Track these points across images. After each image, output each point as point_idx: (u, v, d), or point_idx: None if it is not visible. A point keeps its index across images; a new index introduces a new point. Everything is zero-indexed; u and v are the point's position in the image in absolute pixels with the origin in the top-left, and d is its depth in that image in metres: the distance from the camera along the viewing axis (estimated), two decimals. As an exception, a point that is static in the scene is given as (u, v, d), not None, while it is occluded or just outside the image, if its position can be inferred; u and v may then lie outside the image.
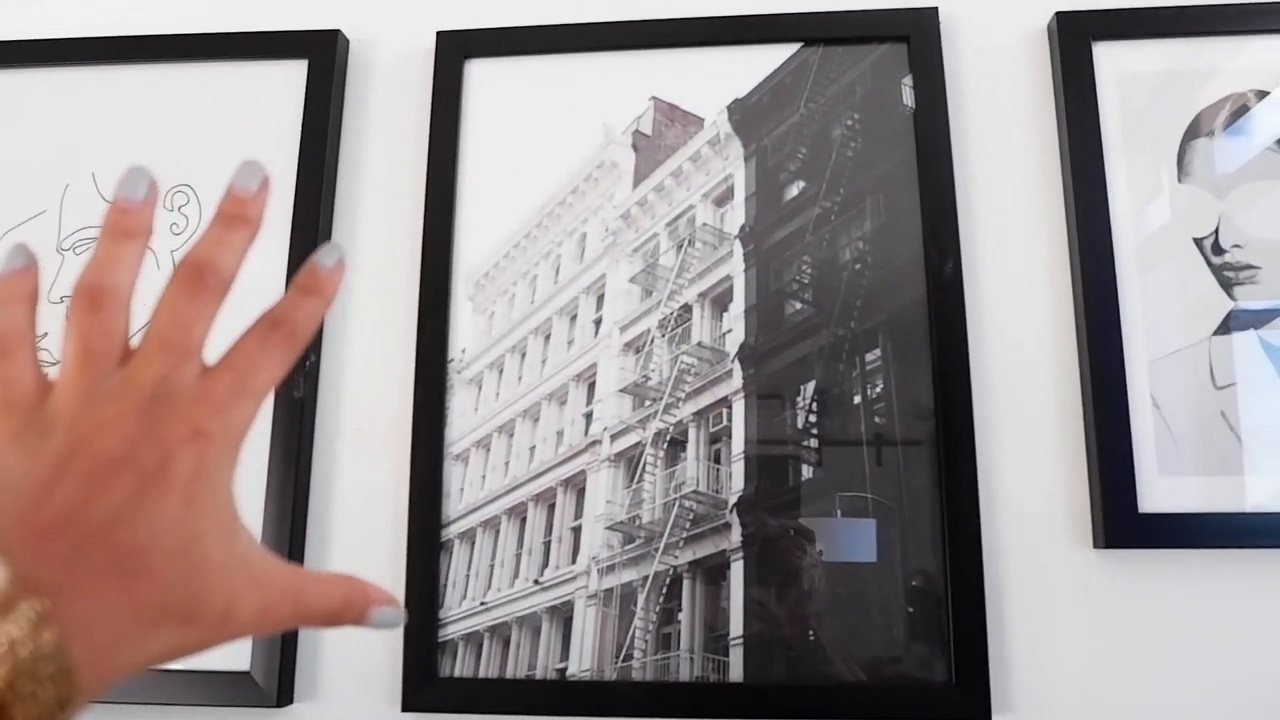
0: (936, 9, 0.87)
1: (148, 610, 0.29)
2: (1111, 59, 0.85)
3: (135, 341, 0.32)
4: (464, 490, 0.84)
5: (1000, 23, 0.89)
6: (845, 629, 0.77)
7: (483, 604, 0.82)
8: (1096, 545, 0.77)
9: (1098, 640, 0.76)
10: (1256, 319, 0.80)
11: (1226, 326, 0.80)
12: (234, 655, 0.79)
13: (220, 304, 0.33)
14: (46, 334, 0.84)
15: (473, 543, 0.83)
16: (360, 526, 0.84)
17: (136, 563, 0.28)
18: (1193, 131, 0.84)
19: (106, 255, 0.33)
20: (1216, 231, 0.82)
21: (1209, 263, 0.81)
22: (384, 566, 0.83)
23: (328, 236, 0.89)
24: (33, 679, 0.25)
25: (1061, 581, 0.78)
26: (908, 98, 0.86)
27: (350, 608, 0.34)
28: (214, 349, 0.33)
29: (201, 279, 0.32)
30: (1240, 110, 0.84)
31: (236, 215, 0.34)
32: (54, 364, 0.32)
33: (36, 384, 0.32)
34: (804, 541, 0.79)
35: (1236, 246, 0.81)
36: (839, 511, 0.79)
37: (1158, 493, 0.77)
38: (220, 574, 0.30)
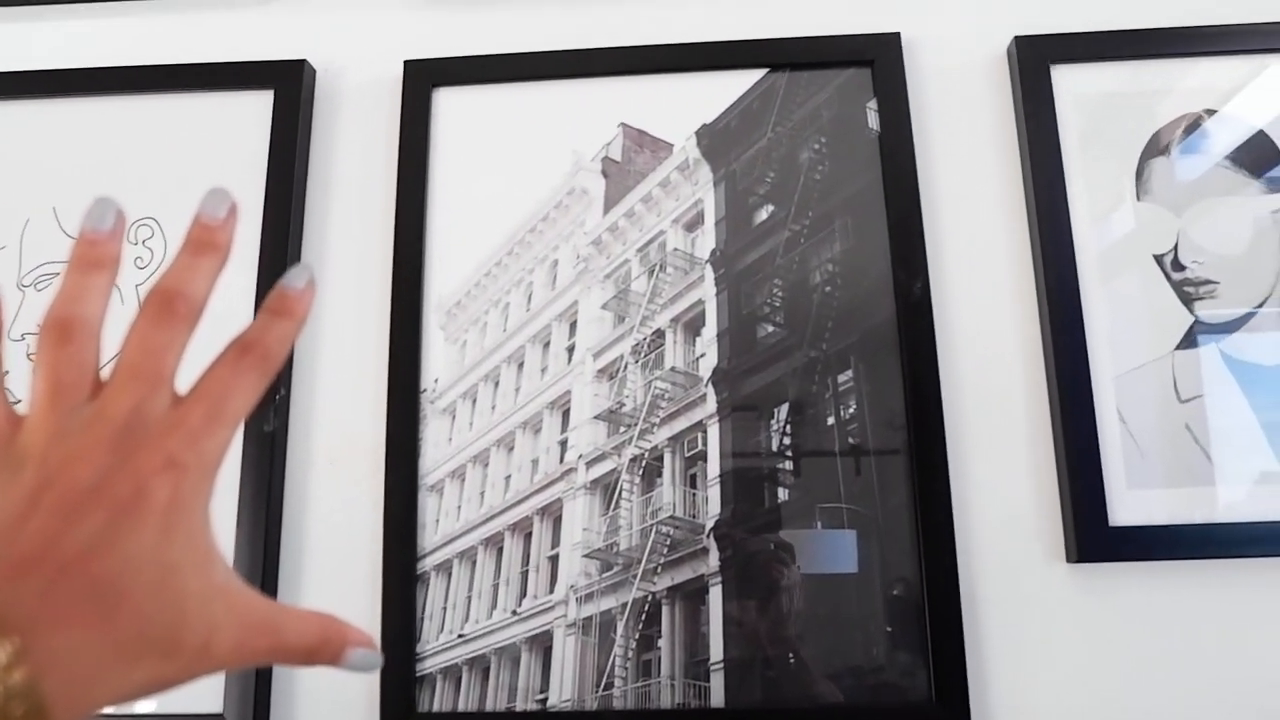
0: (899, 34, 0.89)
1: (126, 642, 0.28)
2: (1069, 81, 0.87)
3: (106, 372, 0.32)
4: (439, 522, 0.83)
5: (961, 47, 0.91)
6: (827, 647, 0.77)
7: (460, 636, 0.81)
8: (1070, 559, 0.78)
9: (1076, 654, 0.77)
10: (1217, 333, 0.81)
11: (1188, 341, 0.81)
12: (206, 696, 0.78)
13: (191, 332, 0.33)
14: (8, 372, 0.82)
15: (449, 574, 0.82)
16: (334, 561, 0.83)
17: (113, 594, 0.28)
18: (1150, 150, 0.86)
19: (75, 287, 0.32)
20: (1176, 247, 0.83)
21: (1169, 278, 0.83)
22: (359, 601, 0.81)
23: (296, 267, 0.88)
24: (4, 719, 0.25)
25: (1038, 596, 0.78)
26: (873, 121, 0.87)
27: (327, 646, 0.33)
28: (185, 378, 0.32)
29: (171, 307, 0.32)
30: (1194, 129, 0.86)
31: (205, 242, 0.34)
32: (17, 402, 0.31)
33: (6, 418, 0.31)
34: (784, 555, 0.79)
35: (1196, 262, 0.83)
36: (819, 524, 0.79)
37: (1127, 506, 0.78)
38: (198, 605, 0.30)
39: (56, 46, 0.97)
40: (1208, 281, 0.83)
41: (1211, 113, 0.86)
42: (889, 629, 0.77)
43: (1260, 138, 0.85)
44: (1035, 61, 0.87)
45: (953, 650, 0.75)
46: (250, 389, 0.33)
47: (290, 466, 0.84)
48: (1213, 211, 0.84)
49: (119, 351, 0.31)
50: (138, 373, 0.31)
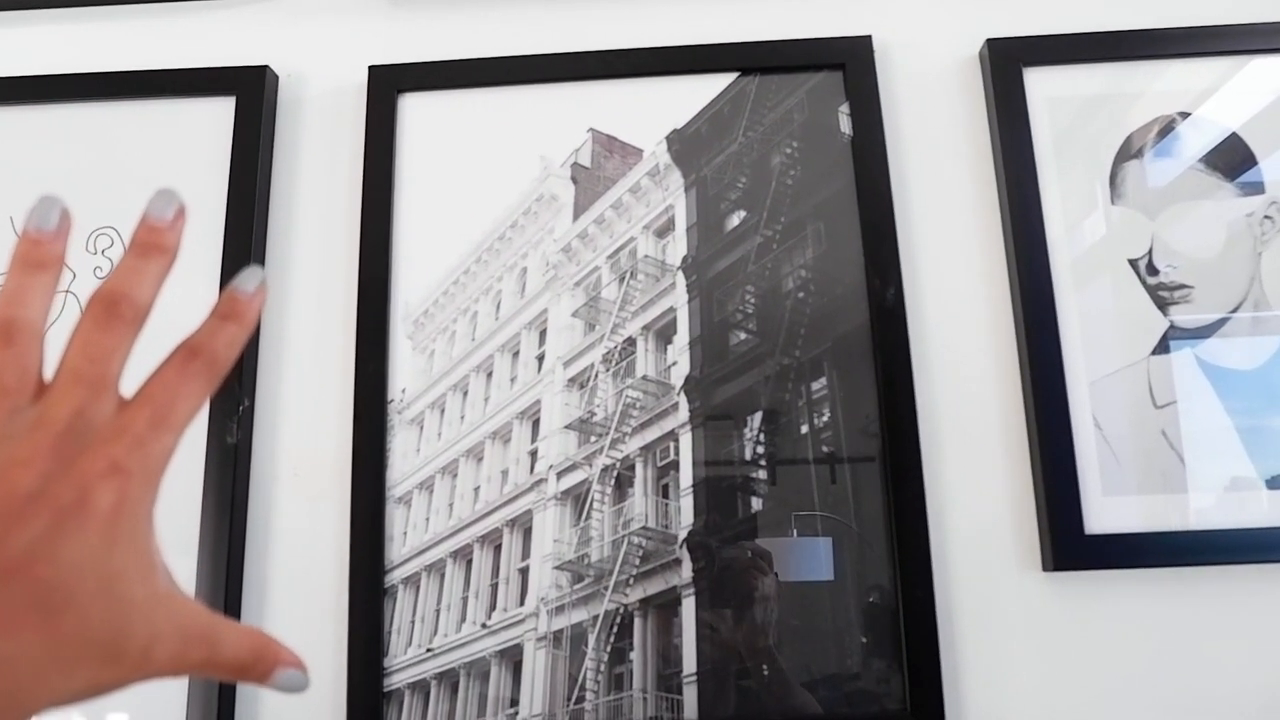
0: (870, 37, 0.88)
1: (68, 648, 0.28)
2: (1042, 84, 0.86)
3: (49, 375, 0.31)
4: (407, 534, 0.82)
5: (933, 50, 0.90)
6: (802, 656, 0.76)
7: (429, 650, 0.79)
8: (1045, 568, 0.77)
9: (1052, 663, 0.76)
10: (1192, 338, 0.81)
11: (1163, 346, 0.81)
12: (169, 715, 0.76)
13: (136, 336, 0.32)
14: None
15: (417, 588, 0.81)
16: (299, 575, 0.82)
17: (57, 599, 0.28)
18: (1124, 153, 0.85)
19: (18, 287, 0.32)
20: (1150, 252, 0.83)
21: (1144, 283, 0.82)
22: (325, 615, 0.80)
23: (262, 276, 0.87)
24: None
25: (1014, 605, 0.78)
26: (845, 125, 0.87)
27: (259, 663, 0.33)
28: (129, 383, 0.32)
29: (116, 310, 0.31)
30: (1167, 131, 0.85)
31: (152, 244, 0.33)
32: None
33: None
34: (762, 563, 0.78)
35: (1170, 266, 0.82)
36: (794, 532, 0.78)
37: (1103, 513, 0.77)
38: (141, 612, 0.30)
39: (13, 53, 0.95)
40: (1182, 286, 0.82)
41: (1185, 115, 0.85)
42: (864, 639, 0.76)
43: (1233, 140, 0.85)
44: (1007, 64, 0.86)
45: (928, 659, 0.74)
46: (197, 394, 0.32)
47: (254, 479, 0.83)
48: (1186, 215, 0.83)
49: (62, 354, 0.31)
50: (81, 377, 0.30)
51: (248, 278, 0.35)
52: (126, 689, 0.30)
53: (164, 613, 0.31)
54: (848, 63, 0.87)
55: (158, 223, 0.33)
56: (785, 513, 0.79)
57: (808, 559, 0.78)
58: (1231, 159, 0.84)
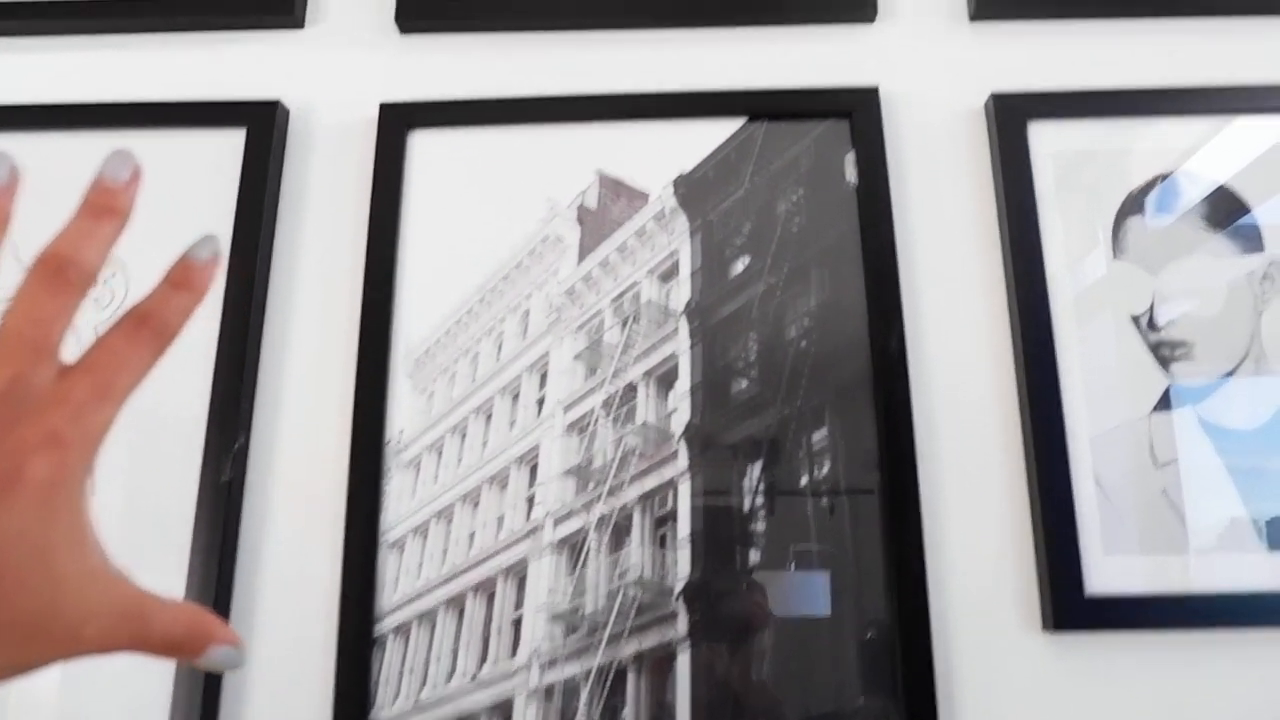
0: (877, 89, 0.88)
1: None
2: (1046, 138, 0.87)
3: None
4: (399, 580, 0.80)
5: (939, 102, 0.90)
6: (801, 696, 0.74)
7: (417, 703, 0.77)
8: (1045, 627, 0.76)
9: (1050, 724, 0.75)
10: (1193, 396, 0.80)
11: (1164, 403, 0.80)
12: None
13: (81, 301, 0.31)
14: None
15: (408, 638, 0.79)
16: (288, 621, 0.79)
17: None
18: (1126, 209, 0.85)
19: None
20: (1152, 308, 0.83)
21: (1145, 339, 0.82)
22: (313, 663, 0.78)
23: (262, 311, 0.86)
24: None
25: (1013, 666, 0.76)
26: (850, 173, 0.87)
27: (192, 640, 0.32)
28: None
29: (63, 274, 0.31)
30: (1169, 187, 0.85)
31: (104, 206, 0.32)
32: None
33: None
34: (759, 603, 0.76)
35: (1171, 323, 0.82)
36: (792, 565, 0.77)
37: (1104, 573, 0.76)
38: (74, 588, 0.29)
39: (24, 81, 0.95)
40: (1183, 343, 0.82)
41: (1187, 172, 0.86)
42: (863, 694, 0.74)
43: (1231, 197, 0.85)
44: (1013, 118, 0.87)
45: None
46: (143, 363, 0.31)
47: (245, 520, 0.81)
48: (1187, 272, 0.83)
49: (4, 316, 0.30)
50: (22, 341, 0.30)
51: (202, 245, 0.34)
52: (52, 666, 0.29)
53: (96, 589, 0.30)
54: (854, 112, 0.88)
55: (112, 184, 0.33)
56: (783, 563, 0.78)
57: (805, 594, 0.76)
58: (1230, 215, 0.84)
